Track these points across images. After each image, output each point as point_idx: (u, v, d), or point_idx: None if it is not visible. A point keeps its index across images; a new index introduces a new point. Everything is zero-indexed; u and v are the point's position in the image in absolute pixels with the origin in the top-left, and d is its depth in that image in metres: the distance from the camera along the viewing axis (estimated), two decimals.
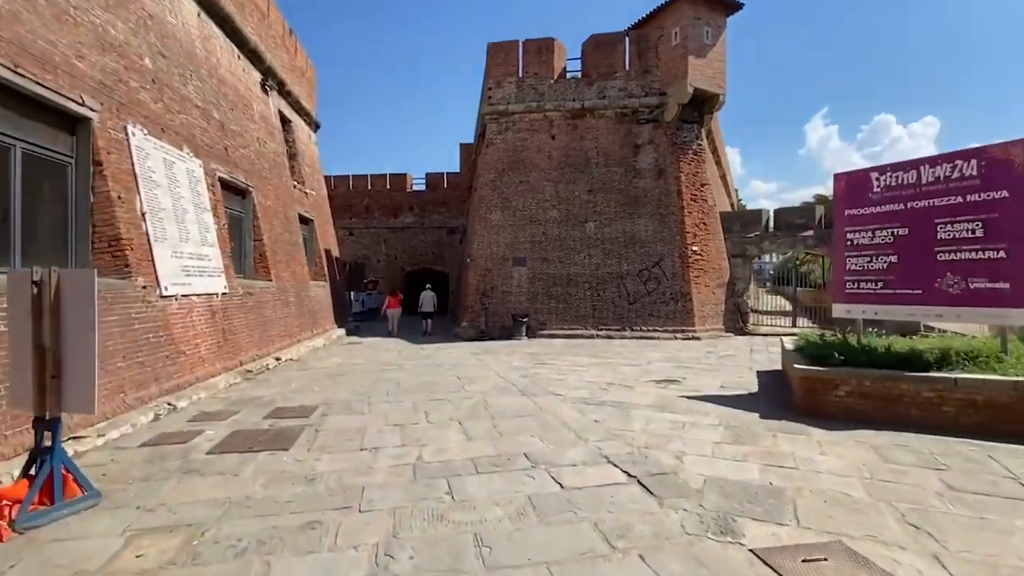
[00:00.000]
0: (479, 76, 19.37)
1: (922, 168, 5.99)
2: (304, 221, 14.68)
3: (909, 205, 6.08)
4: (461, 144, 26.43)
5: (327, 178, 22.80)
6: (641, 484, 3.71)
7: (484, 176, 15.78)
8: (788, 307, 18.91)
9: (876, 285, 6.47)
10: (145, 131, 6.77)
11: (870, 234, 6.54)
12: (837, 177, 7.08)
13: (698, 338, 13.51)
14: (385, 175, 27.14)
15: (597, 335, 13.95)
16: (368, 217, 26.78)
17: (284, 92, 13.81)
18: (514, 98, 15.55)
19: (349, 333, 15.74)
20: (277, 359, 9.58)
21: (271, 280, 10.67)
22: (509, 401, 6.43)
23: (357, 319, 19.03)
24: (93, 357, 3.23)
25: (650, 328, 14.01)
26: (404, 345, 13.11)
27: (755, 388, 7.19)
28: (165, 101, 7.50)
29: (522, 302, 14.75)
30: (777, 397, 6.56)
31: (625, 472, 3.93)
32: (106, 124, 6.01)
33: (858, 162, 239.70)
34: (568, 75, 15.68)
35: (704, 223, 14.92)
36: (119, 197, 6.00)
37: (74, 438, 4.50)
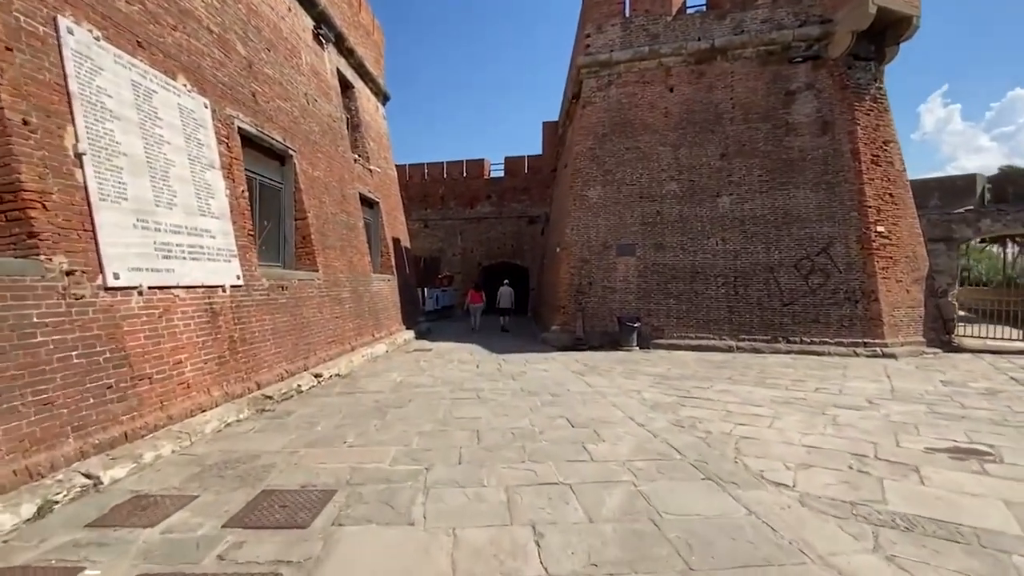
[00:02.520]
0: (569, 39, 16.14)
1: None
2: (368, 203, 12.40)
3: None
4: (544, 123, 23.50)
5: (400, 168, 20.86)
6: None
7: (580, 144, 12.61)
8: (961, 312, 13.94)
9: None
10: (98, 35, 4.41)
11: None
12: None
13: (893, 355, 9.44)
14: (461, 162, 24.94)
15: (738, 347, 10.30)
16: (444, 208, 24.74)
17: (345, 50, 11.55)
18: (619, 44, 12.22)
19: (419, 336, 13.31)
20: (317, 376, 7.11)
21: (317, 270, 8.29)
22: (692, 502, 3.28)
23: (430, 318, 16.72)
24: None
25: (815, 339, 10.11)
26: (482, 354, 10.33)
27: None
28: (148, 7, 5.17)
29: (630, 301, 11.44)
30: None
31: None
32: (8, 5, 3.65)
33: (986, 145, 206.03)
34: (689, 9, 12.09)
35: (891, 194, 10.70)
36: (25, 122, 3.61)
37: None
